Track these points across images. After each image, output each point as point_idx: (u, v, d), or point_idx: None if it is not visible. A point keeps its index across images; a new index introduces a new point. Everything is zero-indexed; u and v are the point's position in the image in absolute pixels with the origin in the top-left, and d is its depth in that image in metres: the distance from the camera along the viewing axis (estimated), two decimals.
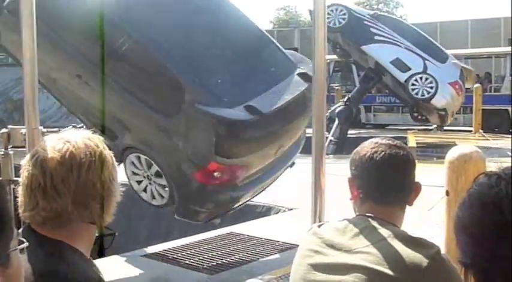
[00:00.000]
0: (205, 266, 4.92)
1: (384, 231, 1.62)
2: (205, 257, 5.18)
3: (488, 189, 0.97)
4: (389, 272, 1.52)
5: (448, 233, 3.28)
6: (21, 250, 1.01)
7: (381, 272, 1.53)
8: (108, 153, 1.42)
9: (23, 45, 2.85)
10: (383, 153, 1.68)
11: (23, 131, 2.88)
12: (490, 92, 18.18)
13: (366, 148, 1.72)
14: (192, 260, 5.09)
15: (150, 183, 5.71)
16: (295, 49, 28.00)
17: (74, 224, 1.35)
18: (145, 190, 5.76)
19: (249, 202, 7.58)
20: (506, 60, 19.03)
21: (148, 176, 5.69)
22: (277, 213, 7.24)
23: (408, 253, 1.54)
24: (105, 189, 1.37)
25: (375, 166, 1.68)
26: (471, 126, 16.48)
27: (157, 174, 5.59)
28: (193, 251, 5.37)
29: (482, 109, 15.96)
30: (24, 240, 1.03)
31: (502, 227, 0.93)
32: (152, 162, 5.57)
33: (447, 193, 3.24)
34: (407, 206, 1.74)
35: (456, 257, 1.01)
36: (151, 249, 5.51)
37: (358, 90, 15.32)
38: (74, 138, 1.38)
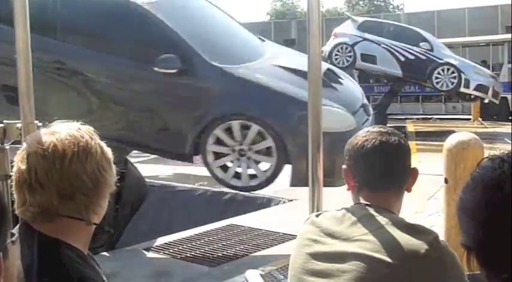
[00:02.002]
0: (206, 259, 4.93)
1: (382, 219, 1.62)
2: (206, 249, 5.18)
3: (491, 172, 0.98)
4: (388, 259, 1.52)
5: (448, 221, 3.28)
6: (12, 242, 1.01)
7: (379, 259, 1.53)
8: (97, 144, 1.39)
9: (16, 38, 2.83)
10: (374, 140, 1.69)
11: (19, 125, 2.86)
12: None
13: (358, 137, 1.73)
14: (193, 253, 5.10)
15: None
16: (293, 40, 27.83)
17: (63, 218, 1.33)
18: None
19: (249, 194, 7.59)
20: (503, 48, 18.98)
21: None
22: (277, 204, 7.24)
23: (406, 240, 1.54)
24: (92, 180, 1.35)
25: (367, 154, 1.68)
26: (470, 115, 16.49)
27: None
28: (194, 243, 5.37)
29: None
30: (15, 232, 1.03)
31: (504, 208, 0.93)
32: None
33: (446, 181, 3.24)
34: (405, 192, 1.75)
35: (459, 240, 1.01)
36: (153, 242, 5.51)
37: (385, 96, 16.88)
38: (59, 130, 1.36)
